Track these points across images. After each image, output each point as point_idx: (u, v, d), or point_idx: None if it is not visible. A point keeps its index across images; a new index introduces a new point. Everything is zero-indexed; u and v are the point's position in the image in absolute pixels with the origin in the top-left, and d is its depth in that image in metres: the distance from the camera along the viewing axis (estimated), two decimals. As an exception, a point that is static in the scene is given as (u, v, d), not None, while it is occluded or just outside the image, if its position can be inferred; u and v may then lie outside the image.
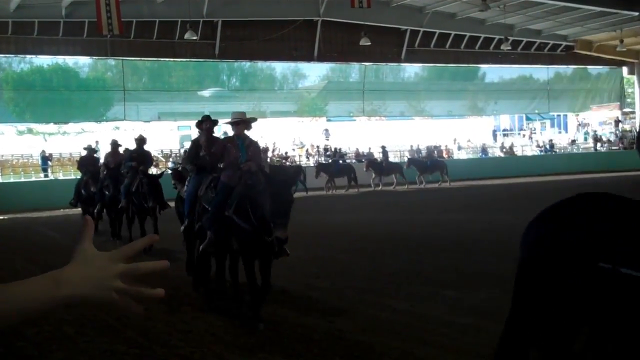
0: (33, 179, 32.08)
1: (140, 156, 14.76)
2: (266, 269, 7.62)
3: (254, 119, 8.90)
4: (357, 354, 6.37)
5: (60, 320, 8.08)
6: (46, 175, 31.66)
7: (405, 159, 38.47)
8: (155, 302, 7.36)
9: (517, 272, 3.30)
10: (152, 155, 17.26)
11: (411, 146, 38.31)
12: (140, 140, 15.12)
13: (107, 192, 15.84)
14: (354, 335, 6.94)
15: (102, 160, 18.49)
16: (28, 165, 34.38)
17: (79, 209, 18.91)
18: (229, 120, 8.81)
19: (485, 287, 8.78)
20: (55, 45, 31.26)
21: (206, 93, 37.68)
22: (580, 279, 2.90)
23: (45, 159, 32.51)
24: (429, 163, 33.47)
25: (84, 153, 19.02)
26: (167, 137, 38.03)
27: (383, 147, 34.27)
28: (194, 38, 31.82)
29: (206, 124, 9.98)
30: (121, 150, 16.79)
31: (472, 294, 8.37)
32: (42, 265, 12.80)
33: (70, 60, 33.94)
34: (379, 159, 33.85)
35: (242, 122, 8.59)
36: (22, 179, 31.96)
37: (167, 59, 34.84)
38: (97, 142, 30.69)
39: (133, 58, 34.11)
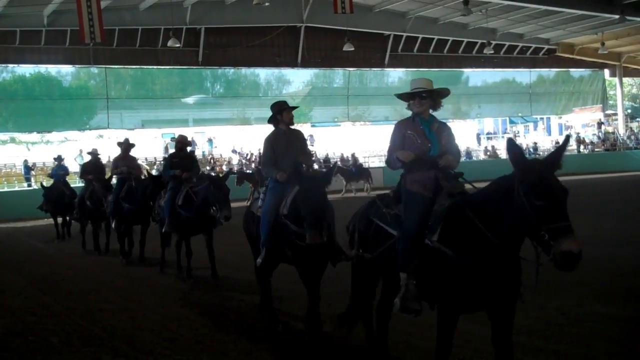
0: (16, 188, 31.82)
1: (183, 161, 11.69)
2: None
3: (446, 92, 6.22)
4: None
5: (45, 330, 8.02)
6: (29, 185, 31.41)
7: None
8: (142, 311, 7.34)
9: None
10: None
11: (342, 154, 37.56)
12: (181, 142, 12.18)
13: (126, 205, 13.16)
14: (344, 341, 6.92)
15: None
16: (11, 174, 34.11)
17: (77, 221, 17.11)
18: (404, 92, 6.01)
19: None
20: (37, 54, 31.08)
21: (190, 100, 37.58)
22: None
23: (29, 168, 32.27)
24: (355, 170, 33.14)
25: (88, 158, 16.64)
26: (151, 145, 37.84)
27: (352, 154, 34.16)
28: (177, 45, 31.71)
29: (287, 112, 7.82)
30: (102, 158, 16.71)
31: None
32: (26, 275, 12.72)
33: (52, 69, 33.77)
34: (347, 166, 33.61)
35: (428, 96, 5.94)
36: (6, 189, 31.70)
37: (150, 67, 34.74)
38: (80, 150, 30.56)
39: (116, 66, 33.99)
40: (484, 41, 38.55)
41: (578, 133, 46.04)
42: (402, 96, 6.03)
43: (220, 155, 37.42)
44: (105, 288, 10.85)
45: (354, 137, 40.96)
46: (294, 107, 8.06)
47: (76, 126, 35.48)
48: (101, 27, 27.60)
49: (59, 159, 19.36)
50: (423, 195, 5.39)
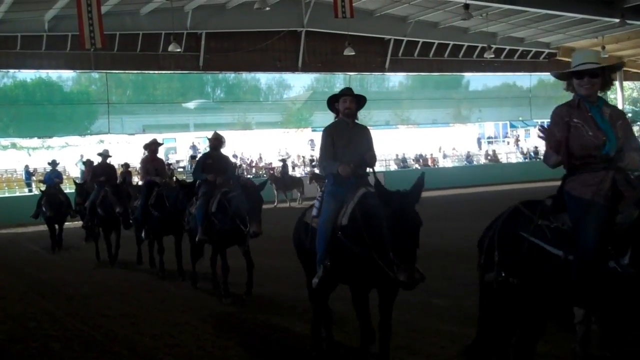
0: (17, 194, 31.80)
1: (217, 162, 10.74)
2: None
3: (619, 66, 5.09)
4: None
5: (47, 336, 8.01)
6: (30, 190, 31.38)
7: (393, 168, 38.64)
8: (144, 316, 7.33)
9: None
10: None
11: (270, 164, 36.44)
12: (216, 141, 10.94)
13: (156, 212, 12.08)
14: (343, 345, 6.91)
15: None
16: (12, 180, 34.08)
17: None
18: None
19: (474, 295, 8.76)
20: (38, 59, 31.09)
21: (191, 105, 37.60)
22: None
23: (29, 173, 32.25)
24: (287, 179, 31.81)
25: (98, 160, 15.57)
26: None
27: (283, 160, 33.48)
28: (178, 50, 31.73)
29: (343, 100, 6.64)
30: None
31: (461, 303, 8.36)
32: (27, 280, 12.72)
33: (53, 74, 33.80)
34: (277, 173, 32.66)
35: (600, 74, 5.00)
36: (6, 194, 31.68)
37: (151, 72, 34.75)
38: (81, 155, 30.50)
39: (117, 71, 34.01)
40: (485, 45, 38.57)
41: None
42: (563, 75, 5.02)
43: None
44: (107, 293, 10.84)
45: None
46: (353, 95, 6.56)
47: (77, 131, 35.47)
48: (102, 32, 27.60)
49: (53, 163, 18.65)
50: (599, 203, 4.18)
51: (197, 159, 11.14)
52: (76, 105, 34.14)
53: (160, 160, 13.44)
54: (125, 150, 35.86)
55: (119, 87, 35.36)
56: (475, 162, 41.16)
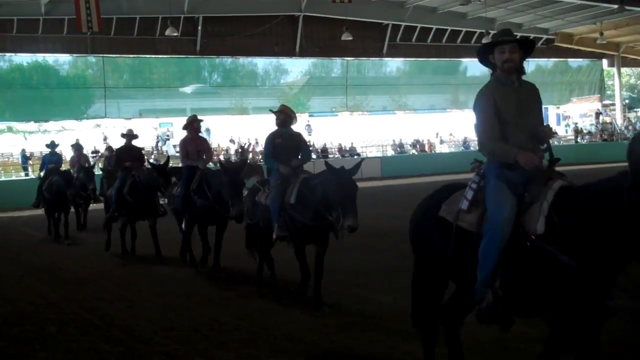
0: (13, 177, 31.75)
1: (288, 142, 8.92)
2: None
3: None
4: (342, 349, 6.36)
5: (43, 319, 8.01)
6: (27, 174, 31.32)
7: (389, 153, 38.61)
8: (140, 300, 7.33)
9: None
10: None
11: (225, 149, 35.87)
12: (285, 115, 8.96)
13: (200, 200, 10.59)
14: (339, 330, 6.93)
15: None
16: (8, 164, 34.01)
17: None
18: None
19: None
20: (34, 43, 31.01)
21: (188, 90, 37.51)
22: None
23: (26, 157, 32.19)
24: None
25: (120, 143, 13.67)
26: (149, 134, 37.75)
27: (242, 147, 33.20)
28: (175, 34, 31.69)
29: None
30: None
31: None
32: (24, 265, 12.72)
33: (50, 58, 33.73)
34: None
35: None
36: (3, 178, 31.62)
37: (148, 56, 34.67)
38: (77, 139, 30.39)
39: (113, 55, 33.92)
40: (483, 31, 38.37)
41: (576, 123, 46.02)
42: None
43: (218, 144, 37.32)
44: (103, 277, 10.85)
45: (352, 127, 40.89)
46: (516, 40, 4.92)
47: (73, 115, 35.39)
48: (98, 16, 27.59)
49: (51, 145, 17.58)
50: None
51: (266, 140, 8.92)
52: (73, 89, 34.08)
53: (203, 139, 11.78)
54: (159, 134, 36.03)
55: (116, 71, 35.25)
56: (472, 148, 41.11)
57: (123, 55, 34.36)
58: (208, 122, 39.10)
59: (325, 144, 38.36)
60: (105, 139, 32.05)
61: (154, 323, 7.59)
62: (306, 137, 40.18)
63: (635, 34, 42.28)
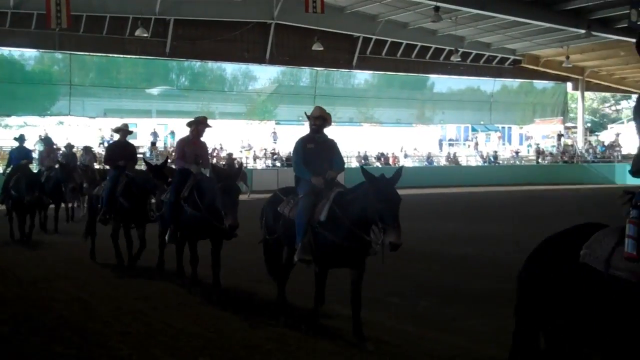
0: (-28, 171, 31.12)
1: (322, 147, 7.96)
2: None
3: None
4: (302, 357, 6.35)
5: (-5, 318, 7.86)
6: (-14, 168, 30.76)
7: (354, 165, 38.69)
8: (95, 302, 7.21)
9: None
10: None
11: (231, 154, 34.30)
12: (322, 119, 7.94)
13: (189, 208, 9.30)
14: (296, 341, 6.91)
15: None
16: (-33, 157, 33.35)
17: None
18: None
19: (428, 295, 8.87)
20: (1, 36, 30.52)
21: (154, 91, 37.25)
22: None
23: (-14, 152, 31.56)
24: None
25: (114, 137, 12.89)
26: (113, 134, 37.40)
27: (230, 154, 32.66)
28: (145, 35, 31.50)
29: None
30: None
31: (414, 302, 8.44)
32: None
33: (15, 52, 33.20)
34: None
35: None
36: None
37: (116, 55, 34.30)
38: (40, 136, 29.93)
39: (81, 53, 33.53)
40: (452, 48, 38.93)
41: (538, 144, 46.70)
42: None
43: (182, 148, 37.13)
44: (58, 277, 10.68)
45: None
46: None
47: (37, 111, 34.87)
48: (68, 13, 27.24)
49: (20, 139, 16.55)
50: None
51: (296, 146, 7.88)
52: (37, 85, 33.56)
53: (203, 143, 10.44)
54: (86, 134, 35.49)
55: (82, 69, 34.83)
56: (435, 163, 41.47)
57: (91, 54, 33.98)
58: (173, 125, 39.08)
59: (290, 153, 38.31)
60: (40, 136, 31.09)
61: (108, 326, 7.50)
62: (271, 145, 40.28)
63: (600, 59, 43.13)
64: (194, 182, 9.46)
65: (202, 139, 10.31)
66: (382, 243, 6.31)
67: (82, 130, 35.70)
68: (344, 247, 6.87)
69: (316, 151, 7.72)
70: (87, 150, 25.53)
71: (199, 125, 10.10)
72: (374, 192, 6.45)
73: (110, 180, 11.39)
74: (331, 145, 7.92)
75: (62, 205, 17.95)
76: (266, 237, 8.13)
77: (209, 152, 10.60)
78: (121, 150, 11.78)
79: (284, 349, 6.68)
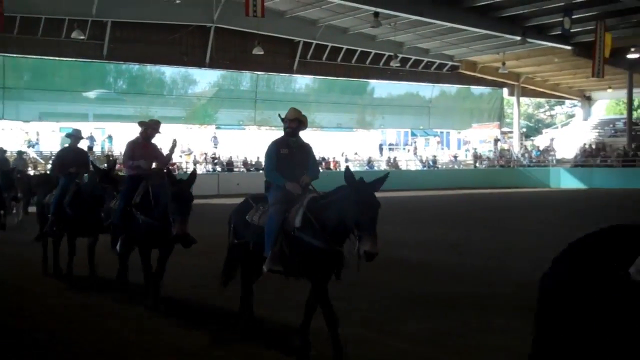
0: None
1: (297, 154, 7.48)
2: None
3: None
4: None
5: None
6: None
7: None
8: (41, 312, 6.95)
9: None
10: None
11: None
12: (297, 122, 7.46)
13: (142, 217, 8.80)
14: (242, 348, 6.87)
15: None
16: None
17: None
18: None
19: (373, 298, 8.94)
20: None
21: (92, 94, 36.56)
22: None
23: None
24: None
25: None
26: (49, 139, 36.55)
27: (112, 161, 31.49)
28: (82, 37, 30.92)
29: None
30: None
31: (360, 305, 8.49)
32: None
33: (-55, 53, 32.18)
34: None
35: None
36: None
37: (51, 58, 33.52)
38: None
39: (15, 55, 32.67)
40: (391, 54, 39.36)
41: (475, 148, 47.58)
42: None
43: (120, 152, 36.48)
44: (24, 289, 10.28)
45: (260, 141, 40.84)
46: None
47: (-33, 114, 33.86)
48: (1, 14, 26.53)
49: None
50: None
51: (268, 150, 7.39)
52: (-32, 87, 32.60)
53: (154, 146, 9.89)
54: (20, 138, 34.63)
55: (16, 71, 33.95)
56: (376, 168, 41.81)
57: (25, 56, 33.11)
58: (110, 129, 38.49)
59: (231, 157, 38.16)
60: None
61: (52, 335, 7.32)
62: (212, 150, 39.89)
63: (535, 65, 44.24)
64: (147, 188, 8.90)
65: (153, 141, 9.82)
66: (357, 251, 5.96)
67: (16, 135, 34.87)
68: (325, 251, 6.41)
69: (290, 156, 7.26)
70: (21, 155, 24.82)
71: (148, 128, 9.67)
72: (352, 198, 6.10)
73: (60, 189, 10.76)
74: (307, 150, 7.47)
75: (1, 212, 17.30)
76: (234, 241, 7.61)
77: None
78: (72, 157, 11.06)
79: (231, 353, 6.64)
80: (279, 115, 7.57)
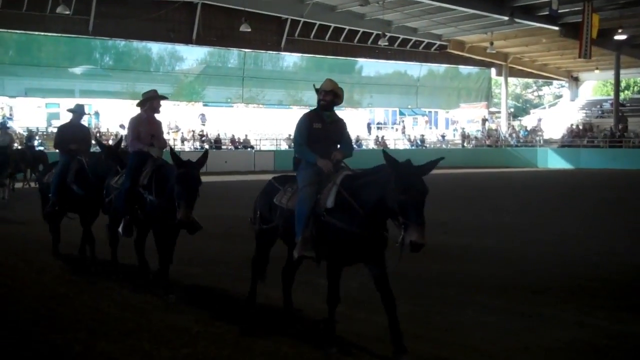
0: None
1: (330, 130, 6.92)
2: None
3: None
4: (230, 338, 6.32)
5: None
6: None
7: (283, 147, 38.69)
8: (19, 287, 6.92)
9: None
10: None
11: (114, 134, 34.57)
12: (333, 95, 6.94)
13: (150, 196, 8.17)
14: (228, 322, 6.87)
15: None
16: None
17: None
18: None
19: (358, 277, 8.95)
20: None
21: (77, 70, 36.32)
22: None
23: None
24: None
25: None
26: (34, 114, 36.28)
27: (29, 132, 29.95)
28: (67, 13, 30.59)
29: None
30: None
31: (346, 283, 8.49)
32: None
33: None
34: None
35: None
36: None
37: (37, 33, 33.21)
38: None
39: (-1, 29, 32.36)
40: (380, 32, 39.21)
41: (463, 128, 47.64)
42: None
43: (107, 129, 36.36)
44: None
45: (247, 119, 40.77)
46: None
47: (-48, 90, 33.57)
48: (-15, -12, 26.24)
49: None
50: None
51: (299, 123, 6.77)
52: (-48, 62, 32.28)
53: (159, 122, 9.14)
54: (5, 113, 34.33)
55: (1, 46, 33.67)
56: (364, 147, 41.80)
57: (10, 30, 32.83)
58: (97, 106, 38.26)
59: (219, 134, 38.04)
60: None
61: (33, 312, 7.28)
62: (200, 127, 39.73)
63: (523, 45, 44.25)
64: (155, 168, 8.33)
65: (157, 116, 9.02)
66: (401, 241, 5.45)
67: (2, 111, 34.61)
68: (359, 236, 5.88)
69: (323, 131, 6.69)
70: (6, 130, 24.27)
71: (152, 101, 8.82)
72: (397, 181, 5.51)
73: (60, 167, 10.20)
74: (341, 126, 6.91)
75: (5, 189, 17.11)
76: (262, 226, 7.07)
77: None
78: (73, 132, 10.50)
79: (212, 330, 6.63)
80: (314, 86, 7.00)
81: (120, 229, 8.65)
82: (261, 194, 7.23)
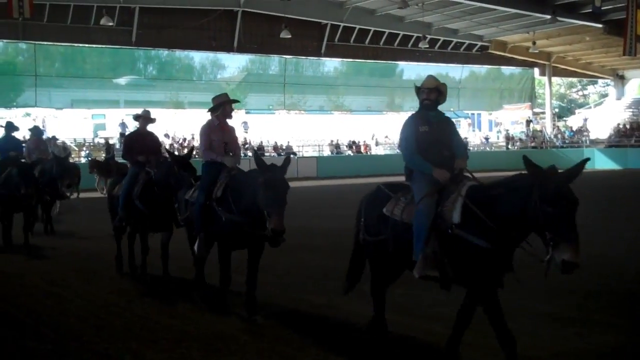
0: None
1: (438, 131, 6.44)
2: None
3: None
4: (278, 349, 6.33)
5: (-33, 314, 7.73)
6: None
7: (326, 153, 38.75)
8: (69, 297, 7.09)
9: None
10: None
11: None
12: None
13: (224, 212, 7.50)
14: (274, 330, 6.89)
15: None
16: None
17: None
18: None
19: (403, 283, 8.89)
20: (-37, 26, 29.94)
21: (122, 81, 36.84)
22: None
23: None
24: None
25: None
26: (81, 126, 36.92)
27: (107, 143, 29.72)
28: (110, 24, 31.09)
29: None
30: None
31: (390, 290, 8.45)
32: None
33: (-22, 43, 32.63)
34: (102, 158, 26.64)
35: None
36: None
37: (81, 45, 33.84)
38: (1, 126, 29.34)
39: (46, 42, 33.01)
40: (420, 35, 39.02)
41: (507, 130, 47.08)
42: None
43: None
44: (31, 272, 10.48)
45: (289, 125, 40.93)
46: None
47: (2, 103, 34.25)
48: (31, 2, 26.76)
49: (8, 127, 14.11)
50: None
51: (404, 129, 6.35)
52: (2, 76, 32.99)
53: (232, 128, 8.56)
54: (53, 125, 34.97)
55: (48, 59, 34.31)
56: (406, 151, 41.60)
57: (56, 43, 33.48)
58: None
59: (261, 142, 38.24)
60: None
61: (83, 321, 7.40)
62: (242, 135, 40.04)
63: (566, 44, 43.56)
64: (228, 179, 7.71)
65: (230, 123, 8.46)
66: (549, 259, 4.91)
67: (50, 122, 35.26)
68: (493, 253, 5.30)
69: (432, 134, 6.07)
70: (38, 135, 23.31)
71: (225, 106, 8.26)
72: (543, 190, 4.94)
73: (128, 179, 9.64)
74: (449, 126, 6.31)
75: (57, 202, 17.28)
76: (366, 237, 6.41)
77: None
78: (141, 141, 9.85)
79: (260, 339, 6.65)
80: (415, 85, 6.49)
81: (195, 247, 8.09)
82: (368, 201, 6.54)
